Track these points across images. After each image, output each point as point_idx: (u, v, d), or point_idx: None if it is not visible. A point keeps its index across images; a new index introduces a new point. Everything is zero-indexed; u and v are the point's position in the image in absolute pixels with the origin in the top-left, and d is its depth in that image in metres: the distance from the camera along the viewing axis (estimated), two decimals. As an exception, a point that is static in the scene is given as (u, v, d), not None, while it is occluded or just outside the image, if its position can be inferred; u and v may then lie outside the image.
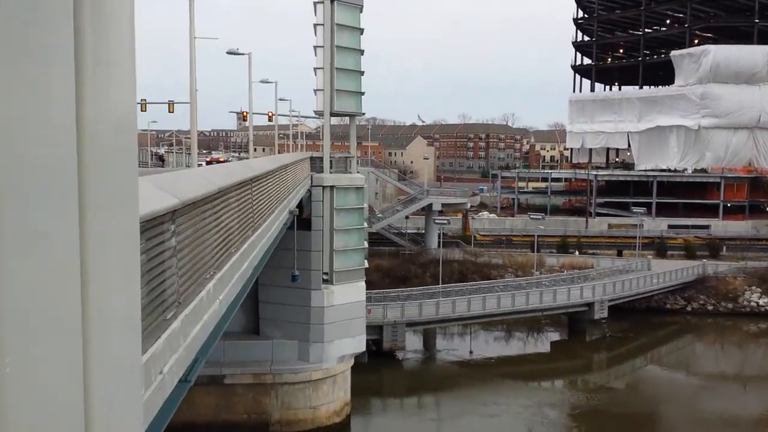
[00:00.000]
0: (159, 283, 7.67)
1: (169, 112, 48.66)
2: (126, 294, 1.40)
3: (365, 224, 38.28)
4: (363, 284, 36.14)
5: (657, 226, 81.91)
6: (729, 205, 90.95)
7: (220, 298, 10.84)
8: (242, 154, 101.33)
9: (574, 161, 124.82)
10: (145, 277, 7.09)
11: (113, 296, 1.29)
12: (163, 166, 58.43)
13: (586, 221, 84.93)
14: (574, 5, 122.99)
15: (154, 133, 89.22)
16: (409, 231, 71.89)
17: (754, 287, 60.21)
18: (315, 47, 35.25)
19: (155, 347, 7.09)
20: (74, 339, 1.12)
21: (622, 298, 55.25)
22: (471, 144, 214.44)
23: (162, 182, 8.65)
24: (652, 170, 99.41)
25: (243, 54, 32.64)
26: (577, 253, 70.59)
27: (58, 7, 1.03)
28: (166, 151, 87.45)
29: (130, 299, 1.43)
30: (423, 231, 71.82)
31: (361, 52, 36.09)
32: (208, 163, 50.73)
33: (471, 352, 49.92)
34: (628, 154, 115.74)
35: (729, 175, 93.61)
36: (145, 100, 50.73)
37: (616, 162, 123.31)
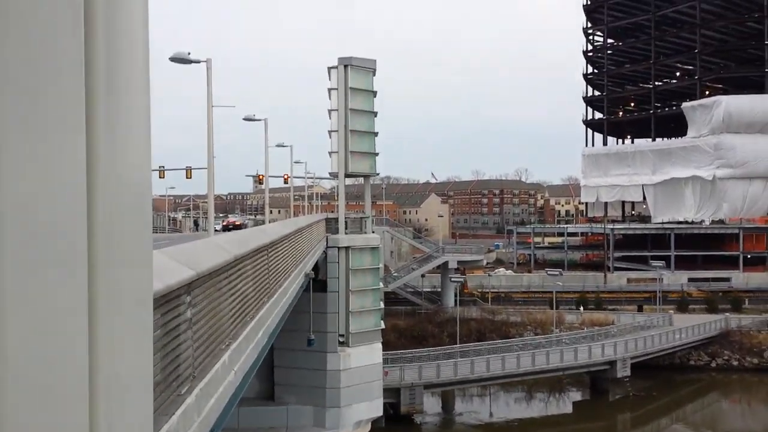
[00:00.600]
0: (174, 358, 7.60)
1: (187, 178, 49.34)
2: (138, 368, 1.34)
3: (381, 284, 38.04)
4: (380, 346, 35.68)
5: (677, 279, 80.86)
6: (749, 256, 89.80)
7: (235, 369, 10.70)
8: (258, 217, 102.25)
9: (590, 215, 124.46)
10: (160, 352, 7.04)
11: (123, 371, 1.24)
12: (197, 230, 62.09)
13: (605, 276, 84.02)
14: (584, 61, 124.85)
15: (171, 198, 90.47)
16: (425, 289, 71.35)
17: (780, 341, 58.93)
18: (329, 110, 35.89)
19: (169, 425, 6.97)
20: (80, 416, 1.07)
21: (644, 356, 54.08)
22: (485, 200, 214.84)
23: (177, 254, 8.68)
24: (669, 223, 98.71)
25: (259, 120, 33.20)
26: (582, 309, 69.43)
27: (70, 68, 1.02)
28: (184, 216, 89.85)
29: (142, 374, 1.37)
30: (439, 289, 71.24)
31: (375, 113, 36.67)
32: (224, 226, 51.21)
33: (491, 415, 48.78)
34: (644, 207, 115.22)
35: (747, 226, 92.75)
36: (163, 166, 51.63)
37: (632, 215, 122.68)
